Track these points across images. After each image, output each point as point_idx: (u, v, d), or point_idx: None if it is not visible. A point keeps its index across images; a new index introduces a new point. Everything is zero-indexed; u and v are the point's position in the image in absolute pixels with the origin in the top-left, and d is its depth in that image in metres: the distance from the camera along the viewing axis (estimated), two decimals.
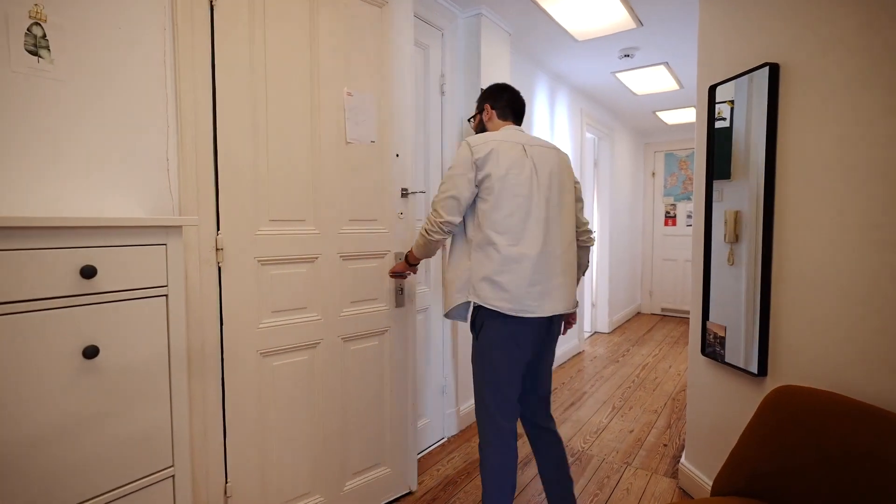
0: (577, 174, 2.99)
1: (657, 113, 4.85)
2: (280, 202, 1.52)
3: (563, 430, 2.62)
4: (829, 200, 1.38)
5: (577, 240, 1.61)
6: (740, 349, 1.65)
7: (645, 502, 1.94)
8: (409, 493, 1.97)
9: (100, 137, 1.18)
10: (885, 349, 1.27)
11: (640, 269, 6.01)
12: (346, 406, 1.72)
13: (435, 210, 1.44)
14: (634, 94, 4.14)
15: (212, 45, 1.36)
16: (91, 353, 0.97)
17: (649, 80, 3.75)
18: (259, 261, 1.48)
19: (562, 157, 1.55)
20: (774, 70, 1.51)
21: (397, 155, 1.84)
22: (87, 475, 0.98)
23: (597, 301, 4.92)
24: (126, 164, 1.22)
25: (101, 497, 1.00)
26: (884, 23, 1.27)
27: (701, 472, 1.93)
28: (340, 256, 1.68)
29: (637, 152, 5.80)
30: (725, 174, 1.74)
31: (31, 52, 1.06)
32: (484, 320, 1.43)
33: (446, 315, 1.51)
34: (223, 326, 1.42)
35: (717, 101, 1.78)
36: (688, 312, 5.56)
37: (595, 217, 4.81)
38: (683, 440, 2.48)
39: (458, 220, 1.44)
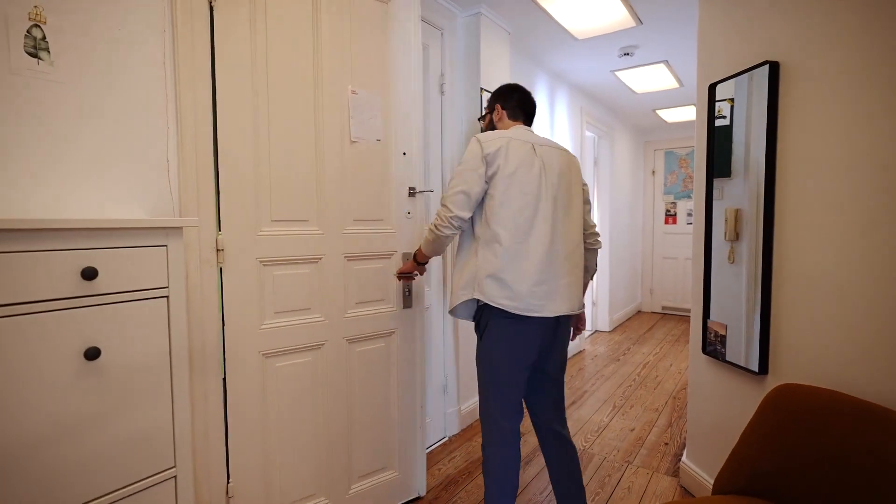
0: None
1: (657, 111, 4.85)
2: (282, 203, 1.52)
3: None
4: (830, 199, 1.38)
5: (585, 242, 1.60)
6: (741, 347, 1.65)
7: (646, 501, 1.94)
8: (418, 498, 1.93)
9: (100, 139, 1.18)
10: (886, 348, 1.27)
11: (641, 267, 6.01)
12: (351, 408, 1.71)
13: (445, 205, 1.44)
14: (634, 92, 4.14)
15: (212, 45, 1.36)
16: (92, 354, 0.97)
17: (649, 79, 3.75)
18: (261, 261, 1.48)
19: (571, 159, 1.55)
20: (774, 68, 1.51)
21: (405, 153, 1.82)
22: (89, 476, 0.99)
23: (597, 299, 4.92)
24: (126, 165, 1.22)
25: (103, 497, 1.01)
26: (884, 22, 1.26)
27: (702, 471, 1.93)
28: (345, 257, 1.67)
29: (637, 150, 5.80)
30: (726, 172, 1.73)
31: (30, 54, 1.06)
32: (489, 320, 1.43)
33: (451, 312, 1.51)
34: (225, 327, 1.42)
35: (717, 99, 1.78)
36: (688, 311, 5.54)
37: (595, 215, 4.81)
38: (684, 439, 2.48)
39: (468, 214, 1.43)
